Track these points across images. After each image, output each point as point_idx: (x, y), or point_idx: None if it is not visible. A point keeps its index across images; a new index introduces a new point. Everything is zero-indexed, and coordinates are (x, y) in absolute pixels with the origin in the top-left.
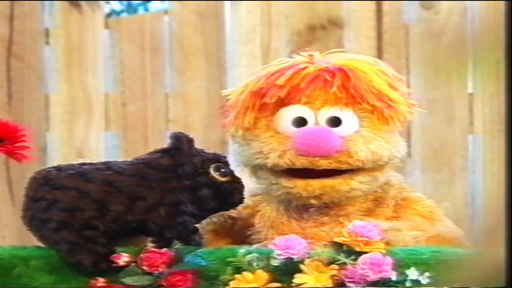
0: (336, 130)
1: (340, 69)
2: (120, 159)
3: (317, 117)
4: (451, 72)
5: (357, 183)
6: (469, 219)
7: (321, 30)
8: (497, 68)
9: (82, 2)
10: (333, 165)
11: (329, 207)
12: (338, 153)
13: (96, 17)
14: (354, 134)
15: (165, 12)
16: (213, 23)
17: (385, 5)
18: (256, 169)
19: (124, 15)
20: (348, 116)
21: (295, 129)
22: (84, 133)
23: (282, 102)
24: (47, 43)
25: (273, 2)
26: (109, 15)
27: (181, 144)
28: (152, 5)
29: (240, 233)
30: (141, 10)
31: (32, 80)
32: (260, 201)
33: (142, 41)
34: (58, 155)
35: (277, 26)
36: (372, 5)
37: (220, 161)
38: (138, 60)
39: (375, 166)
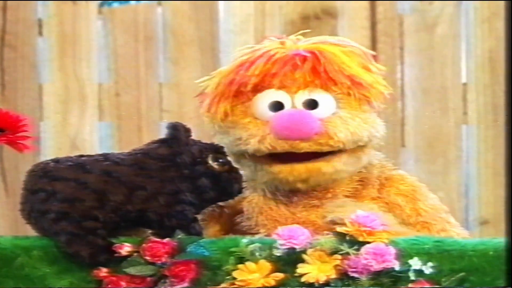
0: (313, 112)
1: (312, 53)
2: (114, 149)
3: (293, 101)
4: (445, 62)
5: (341, 165)
6: (463, 209)
7: (315, 20)
8: (490, 58)
9: None
10: (314, 148)
11: (316, 190)
12: (318, 135)
13: (89, 7)
14: (332, 115)
15: (159, 2)
16: (206, 13)
17: None
18: (238, 156)
19: (116, 5)
20: (325, 98)
21: (272, 113)
22: (78, 123)
23: (257, 88)
24: (40, 33)
25: None
26: (102, 4)
27: (178, 133)
28: None
29: (228, 221)
30: (133, 0)
31: (25, 70)
32: (246, 188)
33: (135, 31)
34: (52, 144)
35: (271, 16)
36: None
37: (218, 151)
38: (131, 50)
39: (356, 147)
